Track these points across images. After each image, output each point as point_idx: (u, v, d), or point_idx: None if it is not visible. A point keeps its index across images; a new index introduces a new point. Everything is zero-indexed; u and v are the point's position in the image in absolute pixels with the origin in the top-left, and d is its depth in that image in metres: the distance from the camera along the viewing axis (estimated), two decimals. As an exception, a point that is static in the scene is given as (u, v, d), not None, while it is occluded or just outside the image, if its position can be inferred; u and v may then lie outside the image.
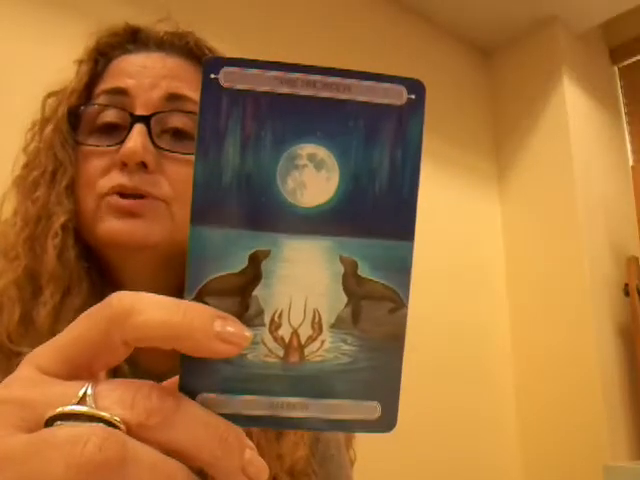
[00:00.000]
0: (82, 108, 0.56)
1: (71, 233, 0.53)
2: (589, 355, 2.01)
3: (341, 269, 0.23)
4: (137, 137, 0.52)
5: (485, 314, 2.21)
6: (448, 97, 2.33)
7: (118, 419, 0.21)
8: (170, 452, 0.22)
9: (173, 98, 0.56)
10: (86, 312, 0.24)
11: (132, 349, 0.23)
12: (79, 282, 0.52)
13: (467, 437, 2.00)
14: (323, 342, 0.23)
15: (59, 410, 0.21)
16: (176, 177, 0.54)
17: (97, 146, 0.54)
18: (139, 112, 0.54)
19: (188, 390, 0.23)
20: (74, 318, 0.53)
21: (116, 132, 0.54)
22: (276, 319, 0.23)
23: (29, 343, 0.49)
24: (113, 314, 0.22)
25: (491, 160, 2.42)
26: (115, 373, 0.53)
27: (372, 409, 0.23)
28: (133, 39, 0.60)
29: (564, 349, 2.07)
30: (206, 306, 0.22)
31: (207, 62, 0.22)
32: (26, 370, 0.23)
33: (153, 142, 0.53)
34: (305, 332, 0.23)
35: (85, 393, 0.22)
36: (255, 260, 0.22)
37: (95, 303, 0.54)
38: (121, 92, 0.55)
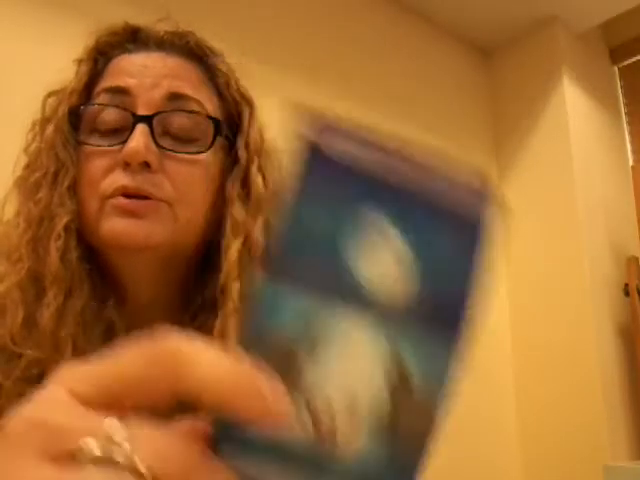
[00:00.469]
0: (82, 108, 0.55)
1: (74, 234, 0.53)
2: (589, 355, 2.01)
3: (390, 358, 0.21)
4: (140, 137, 0.52)
5: (485, 314, 2.21)
6: (448, 97, 2.33)
7: (144, 469, 0.20)
8: None
9: (175, 97, 0.55)
10: (136, 347, 0.22)
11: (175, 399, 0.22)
12: (80, 284, 0.52)
13: (467, 437, 2.00)
14: (357, 437, 0.21)
15: (93, 452, 0.20)
16: (178, 177, 0.54)
17: (99, 146, 0.54)
18: (141, 112, 0.54)
19: (216, 439, 0.22)
20: (75, 320, 0.52)
21: (118, 132, 0.54)
22: (313, 390, 0.21)
23: (32, 345, 0.49)
24: (169, 364, 0.21)
25: (491, 160, 2.42)
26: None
27: None
28: (133, 38, 0.60)
29: (564, 349, 2.07)
30: (261, 374, 0.21)
31: (311, 121, 0.21)
32: (58, 392, 0.22)
33: (155, 142, 0.53)
34: (341, 419, 0.21)
35: (114, 431, 0.21)
36: (310, 323, 0.21)
37: (96, 305, 0.53)
38: (122, 91, 0.55)
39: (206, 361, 0.21)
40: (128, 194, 0.52)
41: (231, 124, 0.60)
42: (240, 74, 0.62)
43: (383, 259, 0.22)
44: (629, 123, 2.48)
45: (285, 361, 0.21)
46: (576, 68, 2.32)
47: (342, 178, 0.21)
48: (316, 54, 1.92)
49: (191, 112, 0.56)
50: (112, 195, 0.52)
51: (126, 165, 0.52)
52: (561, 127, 2.22)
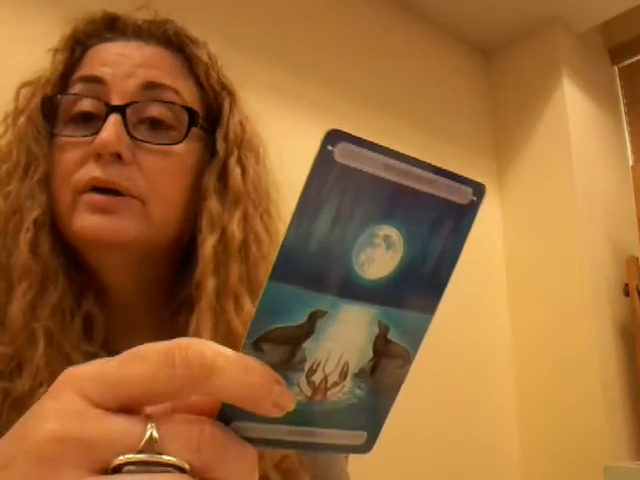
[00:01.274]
0: (58, 97, 0.54)
1: (45, 228, 0.52)
2: (589, 355, 2.01)
3: (376, 331, 0.26)
4: (111, 127, 0.50)
5: (485, 314, 2.21)
6: (448, 97, 2.33)
7: (187, 465, 0.21)
8: None
9: (150, 87, 0.54)
10: (156, 352, 0.22)
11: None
12: (55, 277, 0.51)
13: (467, 437, 1.99)
14: (343, 387, 0.27)
15: (130, 458, 0.21)
16: (152, 170, 0.52)
17: (71, 137, 0.52)
18: (115, 102, 0.52)
19: (224, 418, 0.24)
20: (50, 314, 0.52)
21: (92, 122, 0.53)
22: (314, 367, 0.26)
23: (4, 340, 0.48)
24: (193, 374, 0.22)
25: (491, 160, 2.42)
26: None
27: (360, 437, 0.28)
28: (111, 27, 0.58)
29: (564, 349, 2.07)
30: (270, 370, 0.24)
31: (328, 133, 0.23)
32: (73, 399, 0.21)
33: (129, 132, 0.52)
34: (332, 379, 0.26)
35: (151, 436, 0.21)
36: (313, 318, 0.25)
37: (73, 299, 0.52)
38: (97, 80, 0.54)
39: (227, 365, 0.22)
40: (99, 187, 0.50)
41: (211, 115, 0.58)
42: (226, 65, 0.60)
43: (385, 261, 0.25)
44: (629, 123, 2.48)
45: (287, 344, 0.25)
46: (576, 68, 2.32)
47: (356, 190, 0.23)
48: (316, 54, 1.92)
49: (165, 102, 0.54)
50: (84, 188, 0.51)
51: (98, 157, 0.50)
52: (561, 127, 2.22)
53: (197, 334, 0.51)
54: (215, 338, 0.50)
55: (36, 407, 0.22)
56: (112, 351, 0.54)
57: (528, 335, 2.20)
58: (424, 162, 0.25)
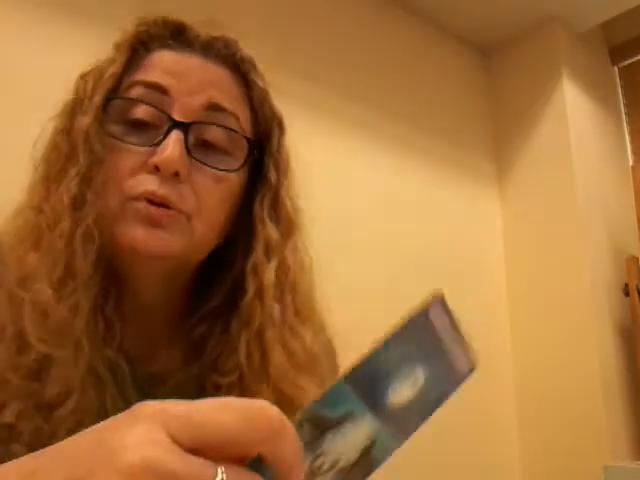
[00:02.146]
0: (118, 100, 0.53)
1: (96, 231, 0.51)
2: (589, 355, 2.01)
3: (367, 444, 0.30)
4: (175, 145, 0.51)
5: (485, 314, 2.21)
6: (448, 97, 2.33)
7: None
8: None
9: (213, 108, 0.54)
10: (237, 407, 0.25)
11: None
12: (90, 281, 0.51)
13: (467, 437, 1.99)
14: (325, 478, 0.30)
15: None
16: (204, 191, 0.53)
17: (130, 143, 0.52)
18: (177, 116, 0.52)
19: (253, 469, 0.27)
20: (86, 318, 0.51)
21: (148, 130, 0.52)
22: (321, 454, 0.29)
23: (46, 338, 0.48)
24: (271, 436, 0.25)
25: (491, 160, 2.42)
26: (114, 371, 0.53)
27: None
28: (177, 35, 0.57)
29: (564, 349, 2.07)
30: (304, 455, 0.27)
31: (438, 298, 0.31)
32: (157, 432, 0.23)
33: (188, 151, 0.52)
34: (324, 468, 0.30)
35: (223, 478, 0.23)
36: (346, 417, 0.29)
37: (98, 303, 0.52)
38: (160, 89, 0.53)
39: (293, 440, 0.25)
40: (153, 200, 0.51)
41: (259, 141, 0.59)
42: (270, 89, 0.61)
43: (405, 393, 0.31)
44: (629, 123, 2.48)
45: (318, 429, 0.29)
46: (576, 68, 2.32)
47: (425, 342, 0.31)
48: (315, 54, 1.92)
49: (228, 129, 0.55)
50: (137, 198, 0.51)
51: (155, 170, 0.51)
52: (561, 127, 2.22)
53: (265, 357, 0.54)
54: (282, 358, 0.54)
55: (121, 428, 0.23)
56: (127, 358, 0.54)
57: (528, 335, 2.20)
58: (468, 344, 0.33)
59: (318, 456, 0.29)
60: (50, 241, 0.50)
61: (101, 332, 0.52)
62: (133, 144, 0.52)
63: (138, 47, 0.56)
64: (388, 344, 0.29)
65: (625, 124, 2.48)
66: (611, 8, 2.24)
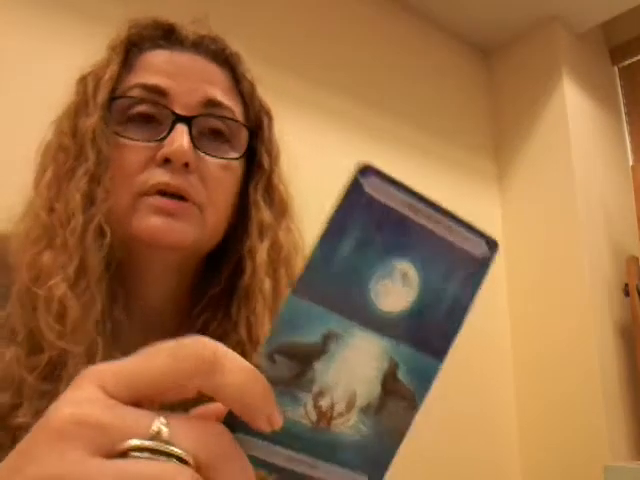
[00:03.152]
0: (121, 100, 0.55)
1: (106, 230, 0.52)
2: (589, 355, 2.01)
3: (385, 367, 0.27)
4: (183, 137, 0.53)
5: (485, 314, 2.21)
6: (448, 97, 2.33)
7: (191, 459, 0.22)
8: None
9: (210, 103, 0.57)
10: (167, 348, 0.24)
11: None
12: (102, 279, 0.52)
13: (467, 437, 2.00)
14: (349, 419, 0.27)
15: (138, 443, 0.22)
16: (212, 181, 0.55)
17: (137, 140, 0.54)
18: (179, 112, 0.54)
19: (229, 427, 0.25)
20: (95, 317, 0.51)
21: (151, 127, 0.54)
22: (322, 391, 0.26)
23: (63, 337, 0.48)
24: (201, 365, 0.23)
25: (491, 160, 2.42)
26: None
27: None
28: (167, 35, 0.60)
29: (564, 349, 2.07)
30: (270, 389, 0.25)
31: (361, 166, 0.25)
32: (91, 389, 0.23)
33: (194, 143, 0.54)
34: (339, 408, 0.26)
35: (160, 428, 0.22)
36: (327, 338, 0.26)
37: (107, 303, 0.52)
38: (159, 91, 0.55)
39: (235, 370, 0.24)
40: (167, 192, 0.52)
41: (252, 131, 0.62)
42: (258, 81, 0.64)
43: (400, 296, 0.26)
44: (629, 123, 2.48)
45: (299, 360, 0.26)
46: (576, 68, 2.32)
47: (380, 222, 0.25)
48: (315, 53, 1.92)
49: (228, 119, 0.57)
50: (149, 192, 0.52)
51: (165, 162, 0.52)
52: (561, 127, 2.22)
53: (255, 332, 0.55)
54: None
55: (62, 395, 0.24)
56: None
57: (528, 335, 2.20)
58: (446, 209, 0.26)
59: (320, 395, 0.26)
60: (63, 238, 0.51)
61: (110, 330, 0.52)
62: (139, 140, 0.54)
63: (132, 48, 0.58)
64: (326, 240, 0.24)
65: (625, 124, 2.48)
66: (611, 8, 2.24)
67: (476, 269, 0.27)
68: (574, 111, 2.24)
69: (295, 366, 0.25)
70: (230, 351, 0.24)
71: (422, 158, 2.13)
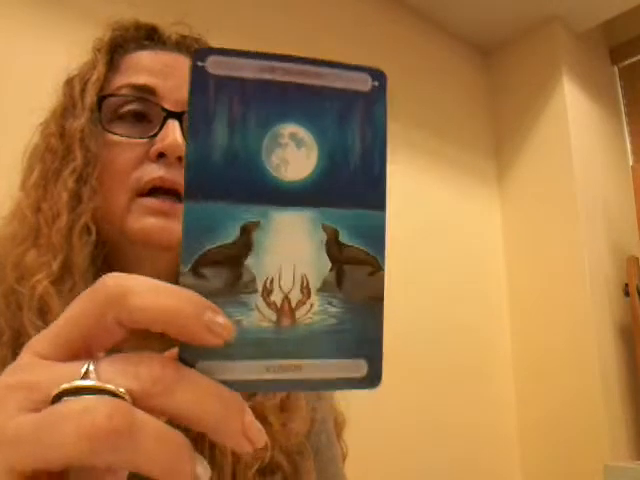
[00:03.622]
0: (110, 99, 0.55)
1: (94, 228, 0.53)
2: (589, 355, 2.01)
3: (324, 237, 0.25)
4: (176, 131, 0.53)
5: (485, 314, 2.21)
6: (448, 97, 2.33)
7: (123, 390, 0.22)
8: (174, 418, 0.22)
9: None
10: (80, 294, 0.24)
11: (128, 331, 0.23)
12: (87, 277, 0.52)
13: (467, 438, 1.99)
14: (312, 305, 0.25)
15: (64, 386, 0.21)
16: None
17: (129, 137, 0.54)
18: (170, 108, 0.55)
19: (187, 360, 0.23)
20: None
21: (142, 125, 0.55)
22: (268, 286, 0.24)
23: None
24: (108, 295, 0.23)
25: (491, 160, 2.42)
26: None
27: (359, 367, 0.25)
28: (150, 36, 0.61)
29: (564, 349, 2.07)
30: (199, 296, 0.23)
31: (195, 51, 0.24)
32: (26, 357, 0.24)
33: (185, 138, 0.54)
34: (295, 297, 0.24)
35: (87, 369, 0.22)
36: (246, 231, 0.24)
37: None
38: (148, 90, 0.56)
39: (144, 288, 0.23)
40: (162, 187, 0.52)
41: None
42: None
43: (300, 160, 0.24)
44: (629, 123, 2.48)
45: (228, 264, 0.24)
46: (576, 68, 2.31)
47: (242, 96, 0.24)
48: (314, 53, 1.91)
49: None
50: (144, 190, 0.52)
51: (159, 158, 0.53)
52: (561, 127, 2.22)
53: None
54: None
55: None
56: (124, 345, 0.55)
57: (528, 335, 2.20)
58: (303, 57, 0.26)
59: (267, 291, 0.24)
60: (48, 237, 0.51)
61: None
62: (131, 138, 0.54)
63: (117, 49, 0.59)
64: (195, 135, 0.23)
65: (625, 124, 2.48)
66: (611, 8, 2.24)
67: (371, 104, 0.26)
68: (574, 111, 2.24)
69: (226, 272, 0.24)
70: (139, 277, 0.23)
71: (422, 157, 2.13)
